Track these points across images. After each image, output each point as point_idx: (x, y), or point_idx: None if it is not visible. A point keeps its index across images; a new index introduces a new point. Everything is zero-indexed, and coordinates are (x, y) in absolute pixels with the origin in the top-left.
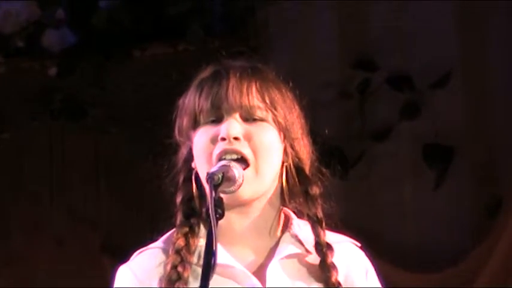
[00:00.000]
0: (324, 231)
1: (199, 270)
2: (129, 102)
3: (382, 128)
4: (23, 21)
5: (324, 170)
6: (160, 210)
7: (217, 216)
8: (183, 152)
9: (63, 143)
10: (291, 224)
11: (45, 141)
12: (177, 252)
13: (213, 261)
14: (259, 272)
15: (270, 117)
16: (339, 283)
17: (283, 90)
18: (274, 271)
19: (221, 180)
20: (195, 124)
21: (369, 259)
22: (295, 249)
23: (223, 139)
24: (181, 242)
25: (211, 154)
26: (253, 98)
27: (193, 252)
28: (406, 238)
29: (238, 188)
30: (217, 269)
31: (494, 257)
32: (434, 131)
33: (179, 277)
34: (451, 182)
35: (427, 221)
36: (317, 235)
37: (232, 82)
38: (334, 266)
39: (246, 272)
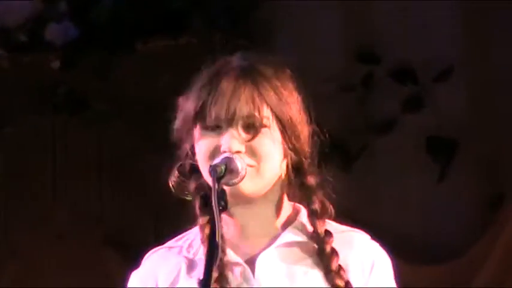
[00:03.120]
0: (323, 220)
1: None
2: (132, 95)
3: (385, 121)
4: (25, 15)
5: (323, 163)
6: (163, 204)
7: (220, 208)
8: (186, 147)
9: (66, 136)
10: (299, 215)
11: (48, 134)
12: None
13: (216, 254)
14: (253, 259)
15: (270, 121)
16: (341, 268)
17: (284, 85)
18: (267, 257)
19: (224, 172)
20: (195, 125)
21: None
22: (296, 237)
23: (225, 152)
24: (207, 230)
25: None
26: (254, 107)
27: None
28: (410, 231)
29: (241, 180)
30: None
31: (496, 250)
32: (438, 124)
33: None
34: (454, 175)
35: (431, 214)
36: (313, 224)
37: (232, 90)
38: (333, 253)
39: (235, 260)
